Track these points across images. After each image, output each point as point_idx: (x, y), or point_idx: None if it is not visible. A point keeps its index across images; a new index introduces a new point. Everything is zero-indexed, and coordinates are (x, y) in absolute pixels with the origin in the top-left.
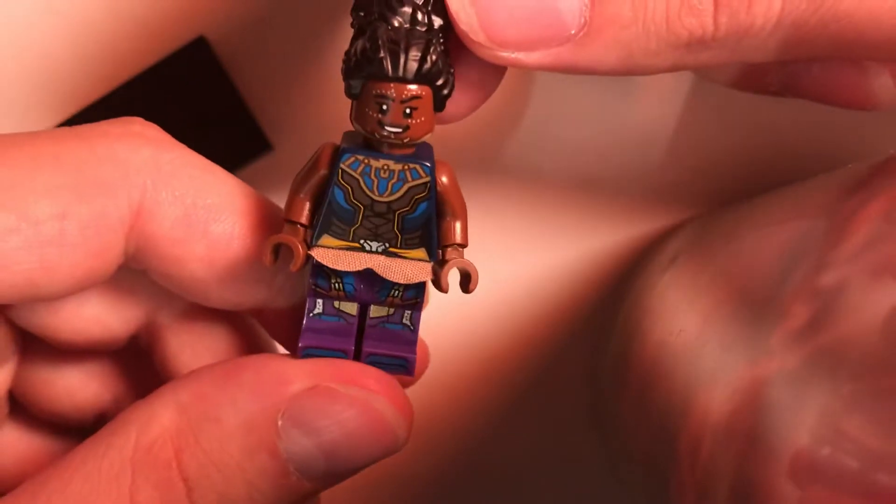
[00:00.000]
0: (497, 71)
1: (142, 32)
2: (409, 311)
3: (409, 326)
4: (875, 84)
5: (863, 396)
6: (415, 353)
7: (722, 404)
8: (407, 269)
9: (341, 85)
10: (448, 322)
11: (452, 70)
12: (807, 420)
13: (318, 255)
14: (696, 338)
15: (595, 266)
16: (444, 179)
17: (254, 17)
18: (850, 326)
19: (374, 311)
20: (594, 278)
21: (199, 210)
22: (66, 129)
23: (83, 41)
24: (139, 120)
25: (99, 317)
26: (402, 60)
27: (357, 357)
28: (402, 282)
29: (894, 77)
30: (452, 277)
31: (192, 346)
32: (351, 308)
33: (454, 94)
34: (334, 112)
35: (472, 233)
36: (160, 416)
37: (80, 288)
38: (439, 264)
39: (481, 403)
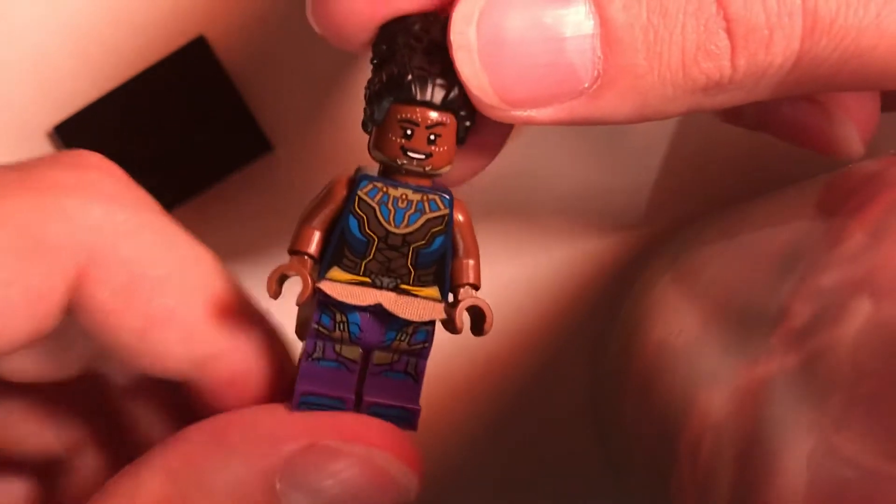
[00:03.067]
0: (501, 135)
1: (141, 32)
2: (414, 359)
3: (412, 376)
4: (839, 133)
5: (854, 401)
6: (418, 404)
7: (722, 404)
8: (419, 307)
9: (342, 85)
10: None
11: None
12: (806, 420)
13: (327, 287)
14: (696, 338)
15: (595, 266)
16: (461, 218)
17: (254, 17)
18: (839, 333)
19: (378, 357)
20: (594, 278)
21: (144, 281)
22: (15, 176)
23: (83, 40)
24: (96, 163)
25: (48, 353)
26: (430, 86)
27: (357, 407)
28: (414, 319)
29: (860, 127)
30: (465, 318)
31: (139, 384)
32: (353, 353)
33: (457, 159)
34: (334, 112)
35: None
36: (148, 485)
37: (22, 347)
38: (451, 305)
39: (481, 403)
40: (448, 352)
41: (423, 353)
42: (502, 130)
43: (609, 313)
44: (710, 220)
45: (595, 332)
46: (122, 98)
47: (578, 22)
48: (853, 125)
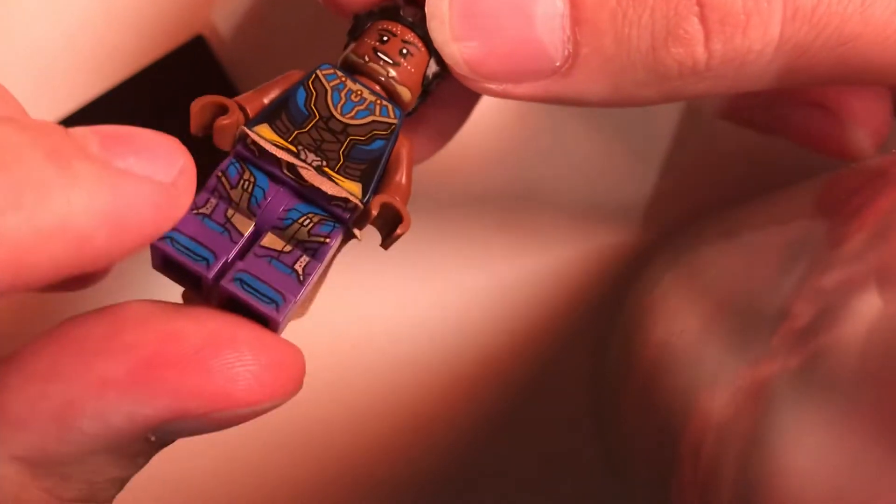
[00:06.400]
0: (459, 117)
1: (140, 31)
2: (308, 257)
3: (299, 276)
4: (850, 136)
5: (857, 401)
6: (295, 297)
7: (724, 405)
8: (336, 185)
9: None
10: (448, 322)
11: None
12: (808, 421)
13: (254, 133)
14: (697, 338)
15: (595, 266)
16: (404, 151)
17: (253, 16)
18: (842, 333)
19: (269, 240)
20: (594, 278)
21: None
22: None
23: (81, 39)
24: None
25: None
26: (416, 13)
27: (223, 272)
28: (327, 191)
29: (870, 132)
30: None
31: None
32: (244, 226)
33: (419, 138)
34: None
35: (473, 232)
36: None
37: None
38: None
39: (481, 404)
40: (448, 352)
41: (319, 253)
42: (456, 113)
43: (609, 313)
44: (711, 220)
45: (595, 332)
46: (121, 97)
47: (549, 0)
48: (864, 131)
